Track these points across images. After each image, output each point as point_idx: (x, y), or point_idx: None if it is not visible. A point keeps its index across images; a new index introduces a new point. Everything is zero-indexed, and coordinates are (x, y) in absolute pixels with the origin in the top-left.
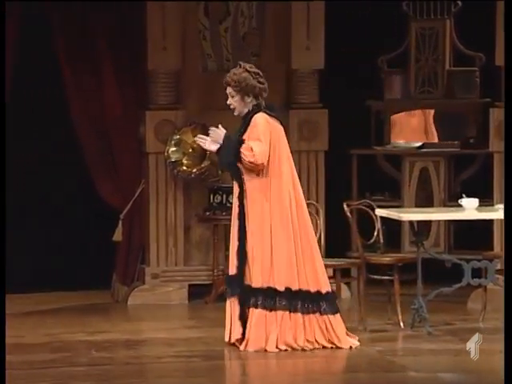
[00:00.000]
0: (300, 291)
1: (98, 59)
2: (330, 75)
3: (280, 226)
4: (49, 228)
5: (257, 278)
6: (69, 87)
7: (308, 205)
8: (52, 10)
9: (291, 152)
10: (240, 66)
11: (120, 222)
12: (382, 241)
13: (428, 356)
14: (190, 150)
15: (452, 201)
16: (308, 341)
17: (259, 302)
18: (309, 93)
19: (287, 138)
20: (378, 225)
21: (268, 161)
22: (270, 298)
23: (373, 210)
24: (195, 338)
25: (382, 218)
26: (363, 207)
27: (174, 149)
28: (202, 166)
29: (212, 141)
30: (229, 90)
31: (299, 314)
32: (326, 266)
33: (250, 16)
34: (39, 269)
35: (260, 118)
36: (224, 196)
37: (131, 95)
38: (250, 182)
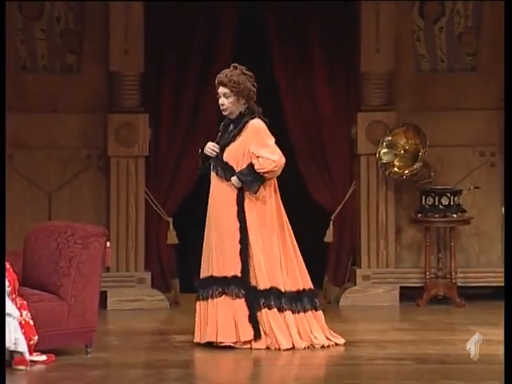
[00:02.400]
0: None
1: (310, 61)
2: None
3: (278, 228)
4: None
5: (263, 280)
6: (282, 88)
7: None
8: (268, 10)
9: None
10: (236, 68)
11: (331, 223)
12: None
13: None
14: (402, 152)
15: None
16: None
17: (272, 303)
18: None
19: None
20: None
21: None
22: (277, 299)
23: None
24: (406, 340)
25: None
26: None
27: (385, 150)
28: (414, 167)
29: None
30: (223, 89)
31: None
32: None
33: (465, 15)
34: None
35: (259, 123)
36: (436, 198)
37: (343, 97)
38: None
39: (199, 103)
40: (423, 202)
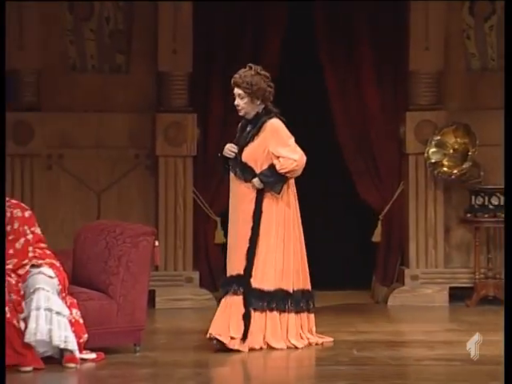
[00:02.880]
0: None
1: (359, 61)
2: None
3: (292, 229)
4: (309, 228)
5: (270, 281)
6: (331, 88)
7: None
8: (317, 10)
9: None
10: (250, 68)
11: (379, 223)
12: None
13: None
14: (451, 151)
15: None
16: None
17: (273, 305)
18: None
19: None
20: None
21: None
22: (283, 301)
23: None
24: (456, 341)
25: None
26: None
27: (434, 150)
28: (463, 167)
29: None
30: (238, 90)
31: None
32: None
33: None
34: None
35: (277, 123)
36: (486, 198)
37: (391, 96)
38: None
39: None
40: (472, 202)
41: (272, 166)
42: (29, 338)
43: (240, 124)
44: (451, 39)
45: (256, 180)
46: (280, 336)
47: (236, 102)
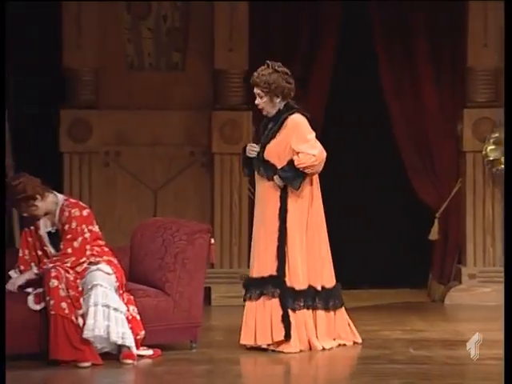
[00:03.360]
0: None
1: (415, 59)
2: None
3: (318, 227)
4: (365, 227)
5: (301, 280)
6: (387, 87)
7: None
8: (373, 9)
9: None
10: (268, 66)
11: (436, 221)
12: None
13: None
14: None
15: None
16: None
17: (302, 304)
18: None
19: None
20: None
21: None
22: (313, 298)
23: None
24: None
25: None
26: None
27: (492, 147)
28: None
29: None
30: (257, 90)
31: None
32: None
33: None
34: (357, 266)
35: (299, 118)
36: None
37: (448, 94)
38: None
39: (302, 101)
40: None
41: (291, 162)
42: (87, 333)
43: (263, 122)
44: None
45: (276, 177)
46: (325, 334)
47: (256, 102)
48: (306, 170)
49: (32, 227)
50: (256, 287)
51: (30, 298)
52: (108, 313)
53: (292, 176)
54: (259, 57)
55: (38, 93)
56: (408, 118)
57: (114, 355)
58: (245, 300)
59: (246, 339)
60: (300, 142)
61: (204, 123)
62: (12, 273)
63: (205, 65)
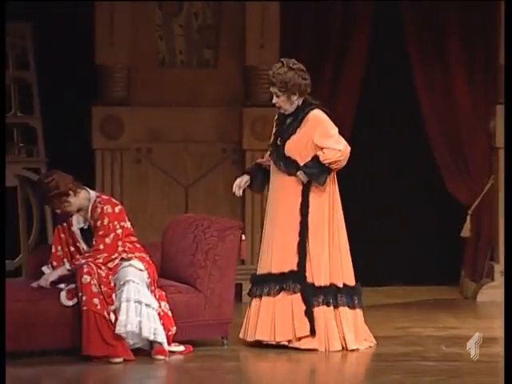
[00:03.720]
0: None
1: (448, 58)
2: None
3: (338, 225)
4: (398, 226)
5: (322, 277)
6: (419, 86)
7: None
8: (405, 9)
9: None
10: (283, 64)
11: (468, 218)
12: None
13: None
14: None
15: None
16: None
17: (330, 301)
18: None
19: None
20: None
21: None
22: (335, 295)
23: None
24: None
25: None
26: None
27: None
28: None
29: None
30: (273, 89)
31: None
32: None
33: None
34: (388, 263)
35: (320, 114)
36: None
37: (481, 90)
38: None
39: (332, 100)
40: None
41: (315, 158)
42: (119, 329)
43: (277, 117)
44: None
45: (300, 173)
46: (353, 332)
47: (274, 101)
48: (332, 166)
49: (65, 224)
50: (276, 282)
51: (63, 294)
52: (140, 309)
53: (318, 172)
54: (290, 54)
55: (70, 90)
56: (440, 116)
57: (146, 351)
58: (250, 296)
59: (262, 335)
60: (324, 137)
61: (235, 120)
62: (45, 268)
63: (236, 62)
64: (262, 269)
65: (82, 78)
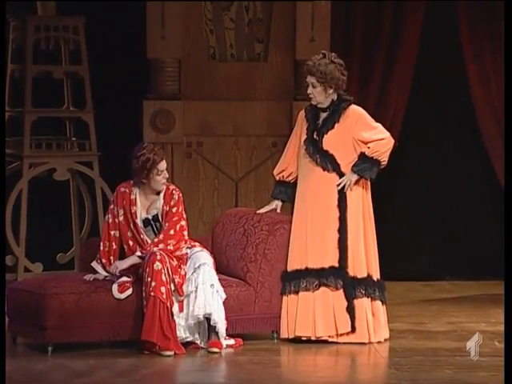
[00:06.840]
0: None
1: (499, 46)
2: None
3: (370, 218)
4: (450, 220)
5: (362, 268)
6: (472, 85)
7: None
8: (459, 9)
9: None
10: (324, 56)
11: None
12: None
13: None
14: None
15: None
16: None
17: (363, 291)
18: None
19: None
20: None
21: None
22: (372, 287)
23: None
24: None
25: None
26: None
27: None
28: None
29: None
30: (311, 79)
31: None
32: None
33: None
34: (439, 257)
35: (359, 108)
36: None
37: None
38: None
39: (382, 97)
40: None
41: (362, 155)
42: (198, 311)
43: (307, 111)
44: None
45: (351, 174)
46: (380, 327)
47: (309, 91)
48: (380, 158)
49: (116, 219)
50: (314, 277)
51: (115, 287)
52: (212, 292)
53: (368, 166)
54: (340, 47)
55: (122, 84)
56: (491, 104)
57: (196, 344)
58: (283, 294)
59: (303, 331)
60: (368, 130)
61: (285, 114)
62: (94, 264)
63: (286, 55)
64: (296, 264)
65: (133, 72)
